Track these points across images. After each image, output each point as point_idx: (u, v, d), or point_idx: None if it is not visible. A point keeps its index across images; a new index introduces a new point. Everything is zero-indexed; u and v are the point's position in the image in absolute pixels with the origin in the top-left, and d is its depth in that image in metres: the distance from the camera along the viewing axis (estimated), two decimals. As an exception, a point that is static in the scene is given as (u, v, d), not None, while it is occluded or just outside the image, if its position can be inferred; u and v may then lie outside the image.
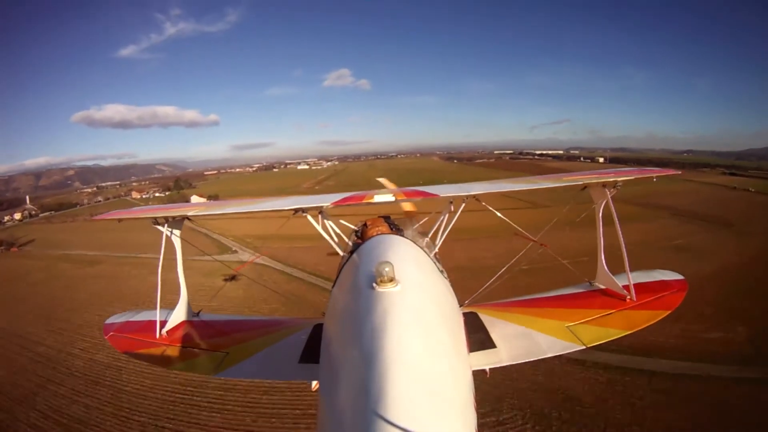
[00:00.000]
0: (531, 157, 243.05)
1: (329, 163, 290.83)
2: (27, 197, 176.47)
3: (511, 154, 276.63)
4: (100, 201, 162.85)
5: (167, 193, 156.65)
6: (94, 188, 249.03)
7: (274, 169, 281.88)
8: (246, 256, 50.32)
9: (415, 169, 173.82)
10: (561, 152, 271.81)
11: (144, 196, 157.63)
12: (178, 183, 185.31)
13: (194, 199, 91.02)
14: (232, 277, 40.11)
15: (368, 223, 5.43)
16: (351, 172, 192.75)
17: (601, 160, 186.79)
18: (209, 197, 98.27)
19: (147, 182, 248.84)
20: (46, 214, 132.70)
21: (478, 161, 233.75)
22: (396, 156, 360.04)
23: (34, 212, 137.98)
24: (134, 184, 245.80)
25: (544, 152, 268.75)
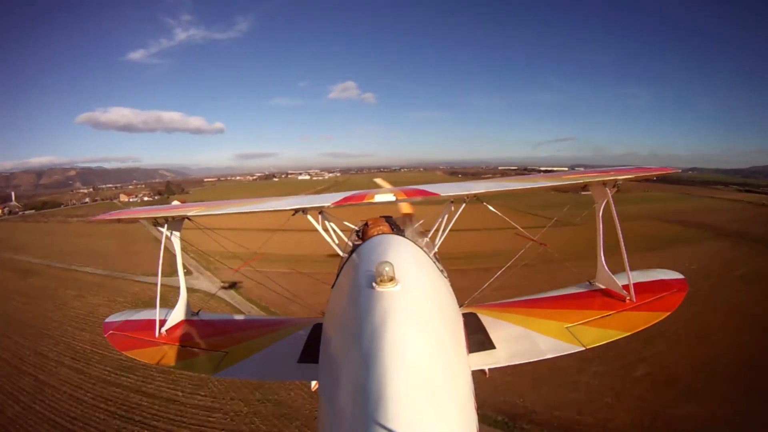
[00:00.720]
0: (536, 173, 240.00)
1: (331, 175, 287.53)
2: (12, 194, 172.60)
3: (515, 169, 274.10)
4: (87, 202, 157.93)
5: (157, 198, 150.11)
6: (91, 189, 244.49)
7: (275, 179, 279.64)
8: (201, 281, 40.64)
9: (419, 182, 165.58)
10: (566, 168, 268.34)
11: (132, 200, 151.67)
12: (170, 188, 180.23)
13: (174, 204, 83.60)
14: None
15: (369, 222, 5.37)
16: (352, 184, 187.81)
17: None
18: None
19: (142, 185, 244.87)
20: (23, 212, 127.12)
21: (482, 176, 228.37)
22: (399, 170, 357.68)
23: (16, 209, 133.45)
24: (130, 187, 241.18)
25: (549, 168, 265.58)
